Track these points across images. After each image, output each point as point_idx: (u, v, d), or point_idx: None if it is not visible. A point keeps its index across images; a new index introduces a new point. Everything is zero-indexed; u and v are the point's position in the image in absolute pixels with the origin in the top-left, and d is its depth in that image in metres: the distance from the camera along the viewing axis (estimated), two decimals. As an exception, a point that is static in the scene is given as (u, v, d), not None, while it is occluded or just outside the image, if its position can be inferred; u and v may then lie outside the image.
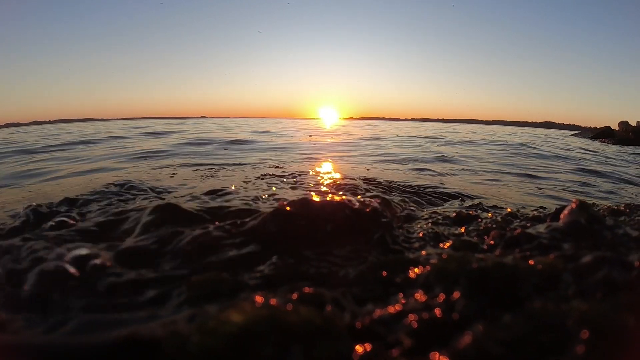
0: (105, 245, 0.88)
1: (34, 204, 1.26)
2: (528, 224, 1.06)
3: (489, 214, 1.31)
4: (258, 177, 2.35)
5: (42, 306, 0.60)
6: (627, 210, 1.17)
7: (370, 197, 1.36)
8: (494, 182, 2.94)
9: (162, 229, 0.93)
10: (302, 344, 0.40)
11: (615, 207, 1.23)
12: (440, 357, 0.40)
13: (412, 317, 0.48)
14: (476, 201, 1.81)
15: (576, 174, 3.88)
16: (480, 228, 1.06)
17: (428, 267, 0.61)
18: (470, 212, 1.29)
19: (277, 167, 3.22)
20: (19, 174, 3.09)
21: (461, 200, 1.90)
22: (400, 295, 0.58)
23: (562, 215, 0.90)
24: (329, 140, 7.52)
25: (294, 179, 2.32)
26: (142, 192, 1.76)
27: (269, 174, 2.51)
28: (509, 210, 1.39)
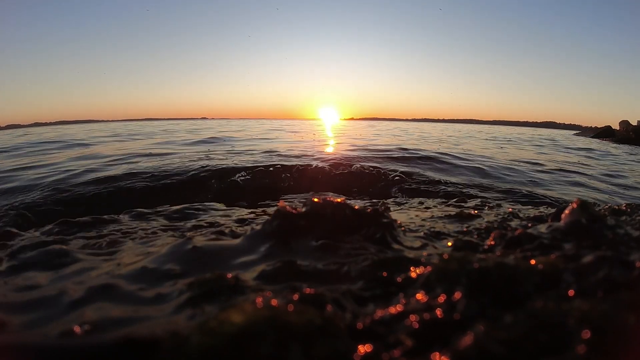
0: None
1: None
2: (529, 224, 1.06)
3: (491, 214, 1.31)
4: None
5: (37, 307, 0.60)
6: (628, 210, 1.17)
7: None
8: None
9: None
10: (302, 344, 0.40)
11: (616, 207, 1.23)
12: (442, 357, 0.40)
13: (412, 317, 0.48)
14: (478, 201, 1.81)
15: None
16: (482, 228, 1.06)
17: (429, 267, 0.61)
18: (472, 212, 1.29)
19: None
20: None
21: (463, 200, 1.89)
22: (401, 295, 0.58)
23: (563, 215, 0.90)
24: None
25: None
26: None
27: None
28: (510, 210, 1.39)
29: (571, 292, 0.53)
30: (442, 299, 0.52)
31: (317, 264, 0.73)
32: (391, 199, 2.53)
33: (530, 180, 4.08)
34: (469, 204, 1.69)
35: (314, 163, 4.07)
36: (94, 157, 5.38)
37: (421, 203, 1.88)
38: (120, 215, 1.42)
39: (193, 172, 3.55)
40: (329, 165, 4.05)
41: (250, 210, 1.58)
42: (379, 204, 1.47)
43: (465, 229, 1.06)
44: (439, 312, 0.49)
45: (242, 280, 0.65)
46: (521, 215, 1.28)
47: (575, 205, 0.88)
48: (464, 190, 3.28)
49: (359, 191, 3.45)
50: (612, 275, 0.56)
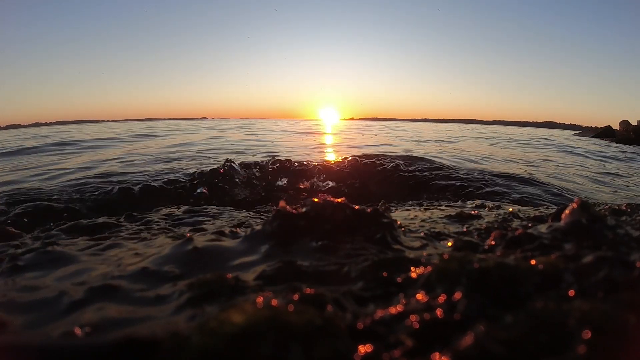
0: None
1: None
2: (529, 224, 1.06)
3: (491, 214, 1.31)
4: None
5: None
6: (629, 210, 1.17)
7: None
8: None
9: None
10: (302, 344, 0.40)
11: (617, 207, 1.23)
12: (442, 357, 0.40)
13: (413, 317, 0.48)
14: (478, 201, 1.81)
15: None
16: (482, 228, 1.06)
17: (429, 267, 0.61)
18: (472, 212, 1.29)
19: None
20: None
21: (464, 201, 1.89)
22: (401, 295, 0.58)
23: (563, 215, 0.90)
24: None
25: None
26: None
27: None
28: (510, 210, 1.39)
29: (572, 292, 0.53)
30: (442, 299, 0.52)
31: (318, 264, 0.73)
32: (391, 199, 2.53)
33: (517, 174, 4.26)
34: (469, 205, 1.69)
35: (314, 162, 4.07)
36: (93, 157, 5.38)
37: (421, 203, 1.88)
38: (121, 216, 1.42)
39: (193, 172, 3.55)
40: (329, 164, 4.05)
41: (250, 211, 1.59)
42: (379, 204, 1.47)
43: (465, 229, 1.06)
44: (439, 312, 0.49)
45: (243, 281, 0.65)
46: (521, 215, 1.28)
47: (575, 206, 0.88)
48: (466, 186, 3.31)
49: (359, 190, 3.45)
50: (613, 276, 0.56)
